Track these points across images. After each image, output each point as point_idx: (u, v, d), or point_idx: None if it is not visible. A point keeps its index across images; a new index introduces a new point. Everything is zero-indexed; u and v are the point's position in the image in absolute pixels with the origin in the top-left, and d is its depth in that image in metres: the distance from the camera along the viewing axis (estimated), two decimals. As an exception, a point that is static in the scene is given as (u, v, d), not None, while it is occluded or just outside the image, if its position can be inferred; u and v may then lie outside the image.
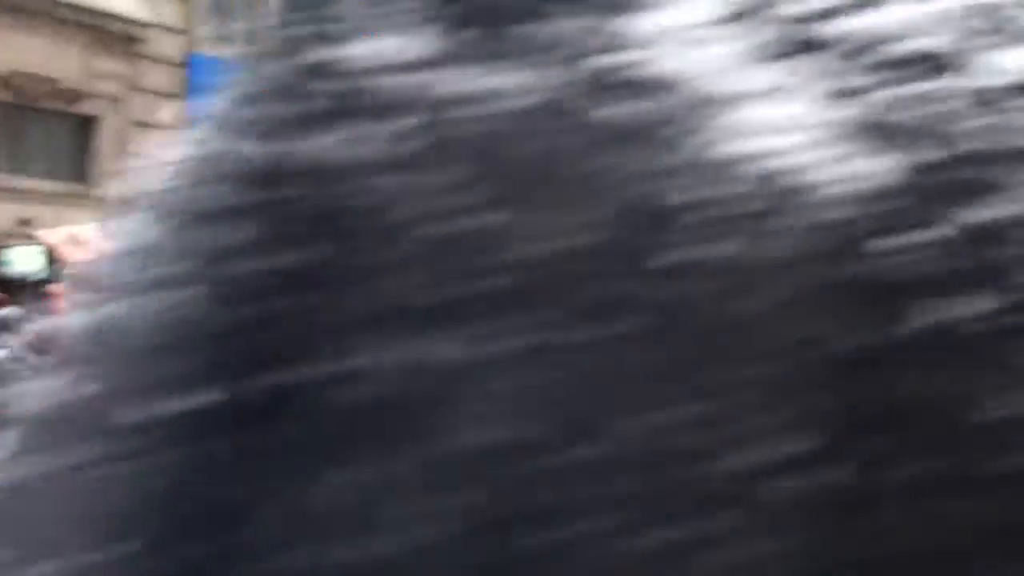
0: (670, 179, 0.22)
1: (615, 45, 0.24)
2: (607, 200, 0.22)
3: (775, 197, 0.22)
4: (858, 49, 0.24)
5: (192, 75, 15.03)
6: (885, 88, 0.23)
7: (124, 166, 13.69)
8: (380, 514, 0.22)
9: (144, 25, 14.22)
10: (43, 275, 6.13)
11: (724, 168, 0.22)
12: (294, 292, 0.23)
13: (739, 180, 0.22)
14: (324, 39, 0.25)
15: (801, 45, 0.24)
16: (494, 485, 0.21)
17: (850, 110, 0.22)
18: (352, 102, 0.24)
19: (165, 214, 0.26)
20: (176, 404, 0.23)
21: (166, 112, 14.66)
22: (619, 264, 0.22)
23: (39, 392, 0.26)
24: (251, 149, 0.25)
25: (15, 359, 4.74)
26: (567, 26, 0.24)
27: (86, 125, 13.84)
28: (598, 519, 0.20)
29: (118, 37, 13.95)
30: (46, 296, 5.52)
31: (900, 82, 0.23)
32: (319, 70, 0.25)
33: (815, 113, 0.22)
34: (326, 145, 0.23)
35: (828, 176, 0.22)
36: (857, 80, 0.23)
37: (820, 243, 0.21)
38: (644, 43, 0.24)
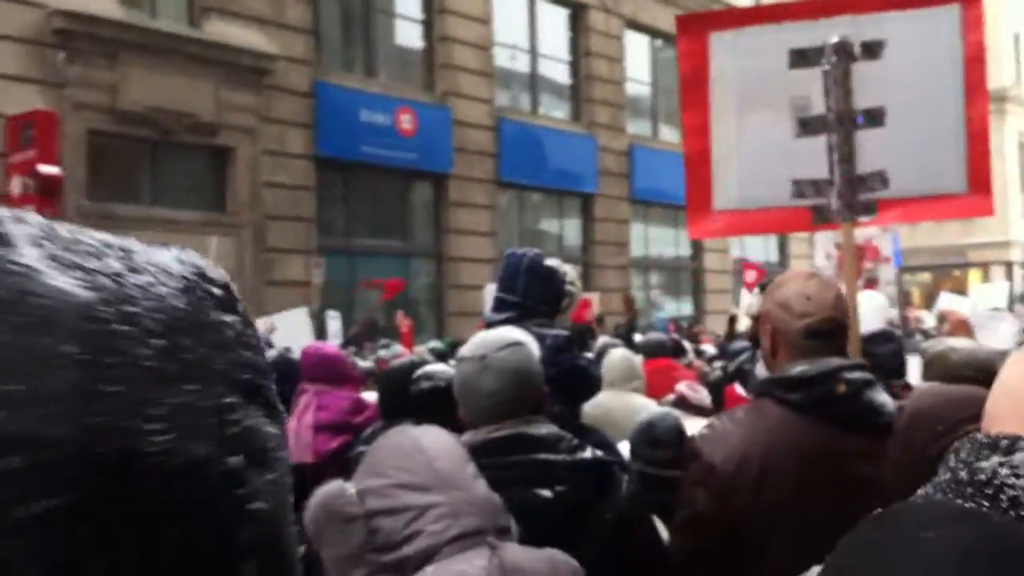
0: None
1: None
2: None
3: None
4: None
5: (319, 104, 15.42)
6: None
7: (258, 194, 14.14)
8: None
9: (273, 58, 14.64)
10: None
11: None
12: None
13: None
14: None
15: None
16: None
17: None
18: None
19: None
20: None
21: (296, 140, 15.06)
22: None
23: None
24: None
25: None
26: None
27: (222, 156, 14.26)
28: None
29: (249, 70, 14.37)
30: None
31: None
32: None
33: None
34: None
35: None
36: None
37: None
38: None
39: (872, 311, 5.67)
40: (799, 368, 2.58)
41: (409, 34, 17.84)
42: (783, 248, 25.59)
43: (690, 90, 4.40)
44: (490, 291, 11.08)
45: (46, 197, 11.55)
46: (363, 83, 16.40)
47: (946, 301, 12.11)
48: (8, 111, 11.87)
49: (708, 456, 2.55)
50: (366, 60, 17.00)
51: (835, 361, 2.58)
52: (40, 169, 11.45)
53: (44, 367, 0.36)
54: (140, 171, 13.64)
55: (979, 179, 4.00)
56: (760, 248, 24.41)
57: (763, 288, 3.70)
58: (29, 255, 0.39)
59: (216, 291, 0.46)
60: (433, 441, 2.08)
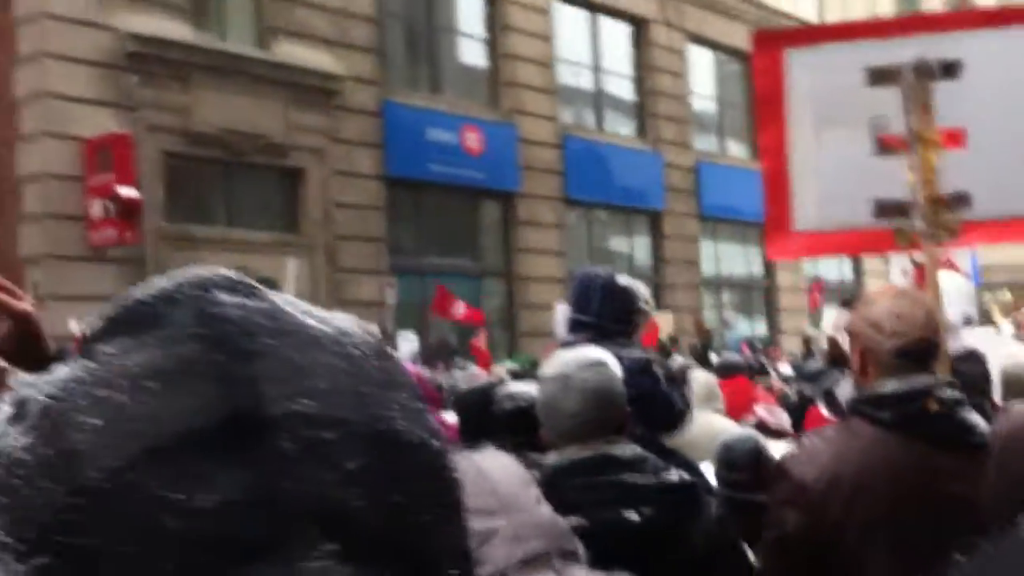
0: None
1: None
2: None
3: None
4: None
5: (387, 123, 15.55)
6: None
7: (329, 214, 14.28)
8: None
9: (340, 78, 14.80)
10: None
11: None
12: None
13: None
14: None
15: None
16: None
17: None
18: None
19: None
20: None
21: (365, 160, 15.19)
22: None
23: None
24: None
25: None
26: None
27: (292, 177, 14.42)
28: None
29: (317, 91, 14.55)
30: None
31: None
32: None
33: None
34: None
35: None
36: None
37: None
38: None
39: (957, 293, 5.55)
40: (890, 386, 2.57)
41: (473, 52, 17.94)
42: (858, 266, 25.21)
43: (766, 108, 4.35)
44: (560, 311, 11.05)
45: (126, 219, 11.80)
46: (429, 101, 16.51)
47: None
48: (84, 134, 12.14)
49: (799, 475, 2.54)
50: (431, 78, 17.12)
51: (926, 379, 2.56)
52: (120, 191, 11.68)
53: (335, 375, 0.51)
54: (214, 192, 13.86)
55: None
56: (834, 266, 24.09)
57: (846, 304, 3.64)
58: (304, 316, 0.54)
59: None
60: (495, 466, 2.06)
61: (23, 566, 0.45)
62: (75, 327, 9.83)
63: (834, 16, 24.79)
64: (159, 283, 0.54)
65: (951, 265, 10.97)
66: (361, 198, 15.09)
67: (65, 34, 12.21)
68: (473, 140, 16.66)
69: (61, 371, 0.52)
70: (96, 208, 12.00)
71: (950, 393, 2.56)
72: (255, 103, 13.60)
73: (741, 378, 7.20)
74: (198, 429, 0.47)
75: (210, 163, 13.50)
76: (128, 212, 11.76)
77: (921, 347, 2.59)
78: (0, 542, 0.47)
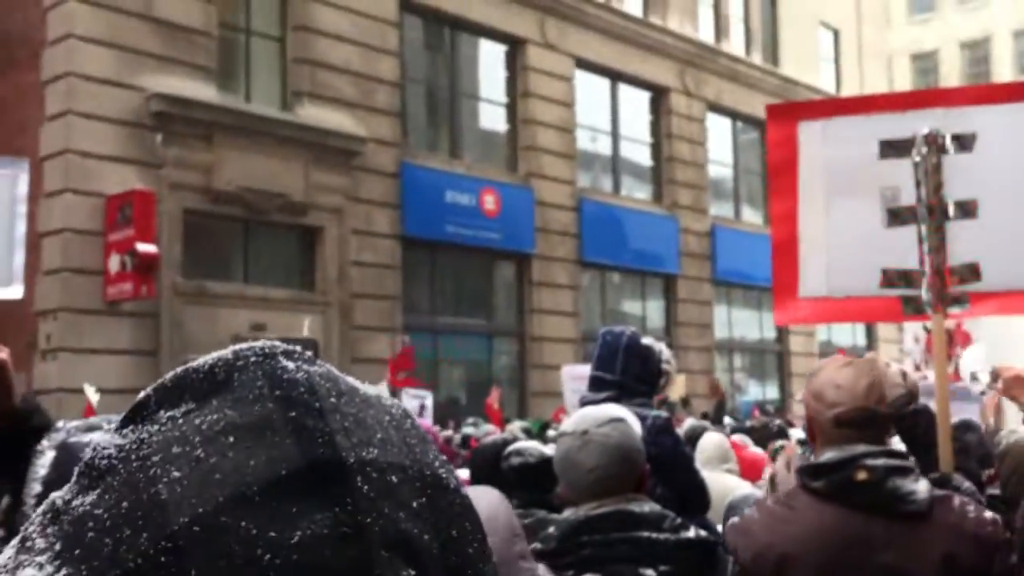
0: None
1: None
2: None
3: None
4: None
5: (405, 184, 15.70)
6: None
7: (345, 272, 14.37)
8: None
9: (361, 140, 14.99)
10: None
11: None
12: None
13: None
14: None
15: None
16: None
17: None
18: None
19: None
20: None
21: (383, 220, 15.31)
22: None
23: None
24: None
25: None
26: None
27: (311, 235, 14.56)
28: None
29: (338, 152, 14.73)
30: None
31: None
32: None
33: None
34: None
35: None
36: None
37: None
38: None
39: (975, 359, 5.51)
40: (826, 455, 2.60)
41: (493, 117, 18.15)
42: (871, 331, 25.17)
43: (779, 178, 4.40)
44: (567, 372, 11.06)
45: (143, 274, 11.89)
46: (448, 164, 16.68)
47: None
48: (108, 190, 12.29)
49: (732, 545, 2.60)
50: (451, 142, 17.31)
51: (860, 448, 2.56)
52: (138, 247, 11.80)
53: (387, 429, 0.58)
54: (233, 250, 13.98)
55: None
56: (847, 331, 24.05)
57: None
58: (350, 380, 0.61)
59: None
60: (482, 512, 2.07)
61: None
62: (90, 392, 9.85)
63: (852, 86, 25.04)
64: (219, 354, 0.59)
65: (963, 335, 10.95)
66: (377, 257, 15.20)
67: (92, 93, 12.43)
68: (490, 202, 16.80)
69: (109, 437, 0.57)
70: (114, 263, 12.11)
71: (884, 461, 2.55)
72: (277, 163, 13.78)
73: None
74: (282, 476, 0.52)
75: (230, 220, 13.64)
76: (145, 267, 11.87)
77: (860, 416, 2.60)
78: None
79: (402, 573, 0.52)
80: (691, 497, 3.84)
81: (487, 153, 17.85)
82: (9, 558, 0.54)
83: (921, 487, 2.54)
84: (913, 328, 12.21)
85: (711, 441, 5.55)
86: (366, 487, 0.53)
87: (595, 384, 4.11)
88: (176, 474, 0.52)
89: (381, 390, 0.64)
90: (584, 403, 3.84)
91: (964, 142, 3.91)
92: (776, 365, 23.16)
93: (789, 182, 4.31)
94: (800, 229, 4.27)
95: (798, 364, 22.74)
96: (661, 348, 4.27)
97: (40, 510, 0.56)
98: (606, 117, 20.00)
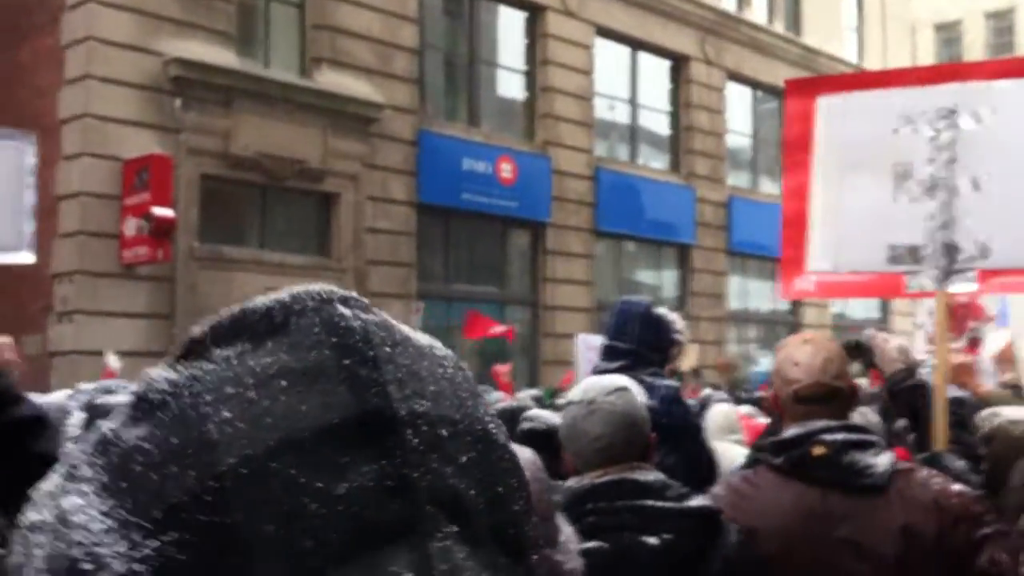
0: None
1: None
2: None
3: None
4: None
5: (422, 152, 15.69)
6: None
7: (361, 239, 14.40)
8: None
9: (379, 106, 14.98)
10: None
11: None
12: None
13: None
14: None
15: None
16: None
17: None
18: None
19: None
20: None
21: (399, 187, 15.33)
22: None
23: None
24: None
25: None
26: None
27: (327, 202, 14.59)
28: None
29: (355, 119, 14.73)
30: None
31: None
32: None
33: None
34: None
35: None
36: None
37: None
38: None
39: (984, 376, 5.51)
40: (788, 432, 2.64)
41: (511, 84, 18.09)
42: (885, 304, 25.09)
43: (793, 152, 4.39)
44: (581, 341, 11.07)
45: (159, 238, 11.94)
46: (465, 132, 16.65)
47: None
48: (125, 155, 12.33)
49: None
50: (469, 109, 17.27)
51: (819, 424, 2.60)
52: (154, 211, 11.85)
53: (439, 381, 0.58)
54: (249, 215, 14.03)
55: None
56: (861, 304, 23.97)
57: (847, 347, 3.65)
58: (405, 329, 0.62)
59: None
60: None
61: (154, 541, 0.49)
62: (112, 359, 9.91)
63: (874, 57, 24.81)
64: (277, 297, 0.59)
65: (977, 309, 10.92)
66: (393, 224, 15.22)
67: (111, 57, 12.45)
68: (507, 170, 16.78)
69: (166, 371, 0.57)
70: (130, 226, 12.17)
71: (842, 436, 2.58)
72: (294, 129, 13.78)
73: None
74: (333, 424, 0.52)
75: (246, 186, 13.67)
76: (161, 231, 11.92)
77: (818, 392, 2.64)
78: (123, 520, 0.51)
79: (445, 529, 0.52)
80: (700, 467, 3.88)
81: (505, 121, 17.81)
82: (56, 485, 0.55)
83: (881, 460, 2.57)
84: (928, 302, 12.14)
85: (719, 411, 5.60)
86: (415, 440, 0.53)
87: (608, 353, 4.14)
88: (227, 415, 0.52)
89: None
90: (597, 371, 3.87)
91: (979, 118, 3.88)
92: (788, 336, 23.10)
93: (803, 157, 4.30)
94: (811, 204, 4.26)
95: (813, 336, 22.65)
96: (675, 318, 4.29)
97: (90, 439, 0.56)
98: (625, 86, 19.89)
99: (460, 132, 16.56)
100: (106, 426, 0.56)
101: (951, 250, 3.88)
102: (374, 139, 15.01)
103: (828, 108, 4.26)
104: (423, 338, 0.62)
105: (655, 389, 3.71)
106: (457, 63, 17.30)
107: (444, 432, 0.55)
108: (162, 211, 11.91)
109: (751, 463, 3.04)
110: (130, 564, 0.50)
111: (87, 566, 0.50)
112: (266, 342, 0.56)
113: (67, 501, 0.53)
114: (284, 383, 0.53)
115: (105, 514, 0.51)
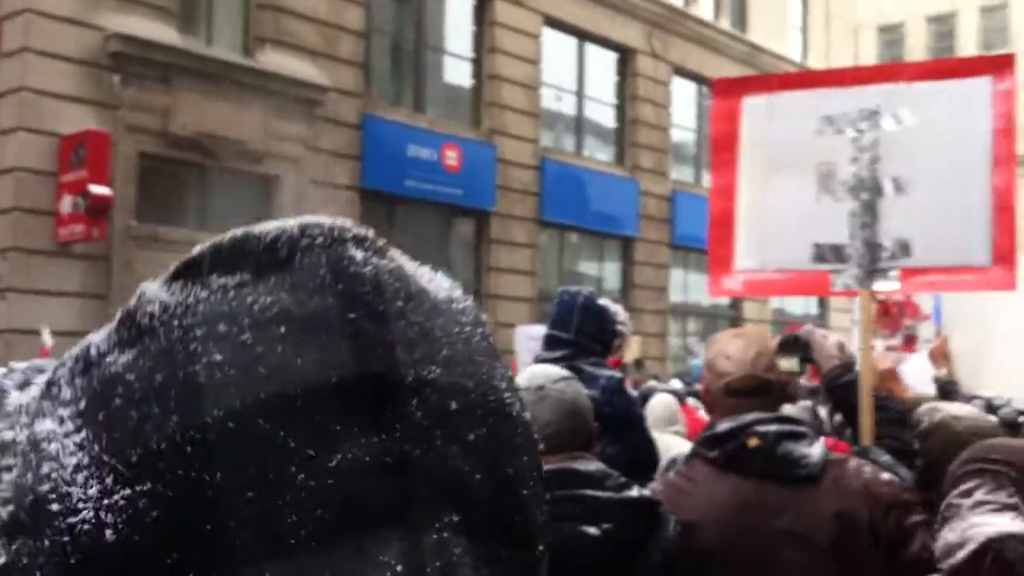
0: None
1: None
2: None
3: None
4: None
5: (367, 136, 15.56)
6: None
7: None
8: None
9: (323, 89, 14.81)
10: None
11: None
12: None
13: None
14: None
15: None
16: None
17: None
18: None
19: None
20: None
21: (342, 172, 15.19)
22: None
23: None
24: None
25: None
26: None
27: (268, 184, 14.40)
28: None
29: (299, 101, 14.55)
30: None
31: None
32: None
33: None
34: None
35: None
36: None
37: None
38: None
39: (920, 374, 5.58)
40: (721, 426, 2.65)
41: (458, 71, 18.01)
42: (823, 301, 25.41)
43: (720, 152, 4.42)
44: (522, 331, 11.07)
45: (95, 217, 11.72)
46: (411, 118, 16.54)
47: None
48: (62, 130, 12.08)
49: None
50: (415, 95, 17.16)
51: (751, 416, 2.62)
52: (91, 189, 11.62)
53: (454, 343, 0.52)
54: (188, 195, 13.80)
55: (1004, 253, 3.92)
56: (799, 300, 24.25)
57: (783, 343, 3.68)
58: (422, 278, 0.57)
59: None
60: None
61: (127, 490, 0.45)
62: (46, 335, 9.73)
63: (818, 56, 25.09)
64: (283, 226, 0.53)
65: (912, 307, 11.09)
66: (335, 209, 14.97)
67: (49, 31, 12.17)
68: (452, 158, 16.70)
69: (160, 290, 0.51)
70: (66, 204, 11.93)
71: (775, 427, 2.60)
72: (236, 109, 13.58)
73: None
74: (331, 385, 0.46)
75: (186, 166, 13.45)
76: (97, 209, 11.69)
77: (749, 384, 2.67)
78: (96, 457, 0.46)
79: (444, 518, 0.47)
80: (641, 458, 3.87)
81: (451, 108, 17.72)
82: (33, 399, 0.50)
83: (814, 451, 2.60)
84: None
85: (660, 402, 5.59)
86: (420, 413, 0.48)
87: (550, 343, 4.12)
88: (218, 357, 0.46)
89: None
90: (539, 361, 3.85)
91: (902, 119, 3.95)
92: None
93: (729, 156, 4.34)
94: (738, 203, 4.30)
95: (752, 331, 22.91)
96: (617, 309, 4.29)
97: (72, 354, 0.51)
98: (572, 77, 19.90)
99: (405, 118, 16.44)
100: (92, 342, 0.50)
101: (874, 249, 3.93)
102: (318, 122, 14.85)
103: (753, 108, 4.30)
104: (442, 287, 0.57)
105: (597, 379, 3.70)
106: (403, 48, 17.17)
107: (453, 404, 0.49)
108: (99, 189, 11.68)
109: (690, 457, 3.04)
110: (98, 512, 0.44)
111: (54, 507, 0.45)
112: (268, 277, 0.50)
113: (41, 425, 0.48)
114: (282, 330, 0.48)
115: (79, 446, 0.46)
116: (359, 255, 0.52)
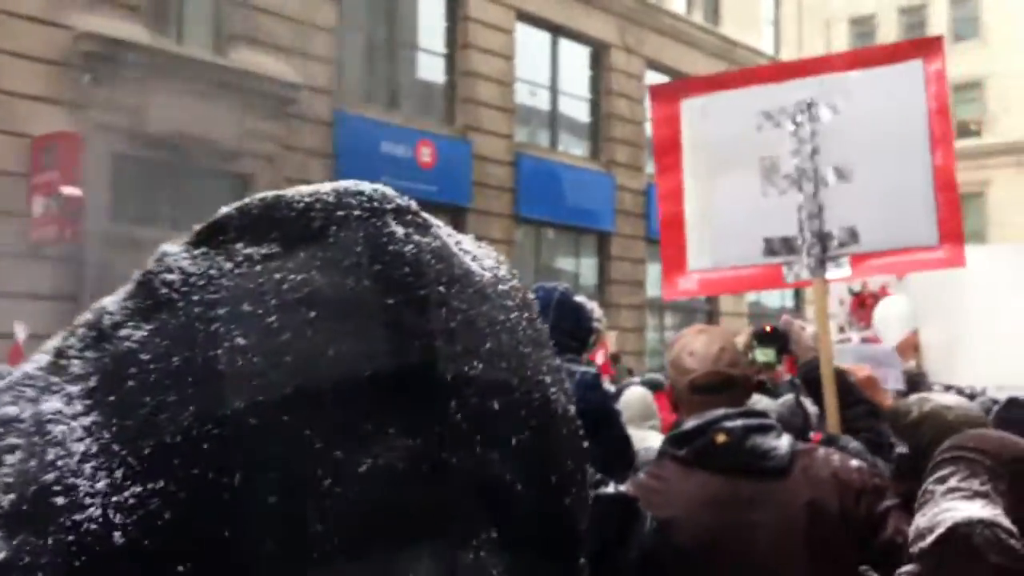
0: None
1: None
2: None
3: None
4: None
5: (340, 134, 15.51)
6: None
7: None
8: None
9: (296, 87, 14.73)
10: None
11: None
12: None
13: None
14: None
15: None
16: None
17: None
18: None
19: None
20: None
21: (317, 170, 15.12)
22: None
23: None
24: None
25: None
26: None
27: (242, 182, 14.27)
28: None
29: (272, 99, 14.45)
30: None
31: None
32: None
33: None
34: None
35: None
36: None
37: None
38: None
39: (898, 319, 5.57)
40: (687, 423, 2.65)
41: (431, 68, 17.97)
42: (798, 293, 25.52)
43: (664, 156, 4.46)
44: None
45: (67, 218, 11.62)
46: (384, 115, 16.50)
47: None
48: (33, 131, 11.97)
49: None
50: (388, 92, 17.11)
51: (718, 412, 2.62)
52: (62, 190, 11.52)
53: (499, 333, 0.47)
54: (161, 195, 13.70)
55: (950, 230, 3.98)
56: (775, 293, 24.35)
57: (757, 335, 3.72)
58: (466, 256, 0.52)
59: None
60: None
61: (137, 487, 0.41)
62: (19, 331, 9.66)
63: (790, 49, 25.17)
64: (318, 191, 0.49)
65: (886, 294, 11.14)
66: (311, 207, 15.00)
67: (19, 31, 12.05)
68: (427, 154, 16.67)
69: (183, 255, 0.46)
70: (38, 205, 11.82)
71: (742, 422, 2.60)
72: (208, 108, 13.47)
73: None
74: (364, 379, 0.42)
75: (159, 165, 13.34)
76: (70, 211, 11.60)
77: (714, 381, 2.67)
78: (106, 447, 0.42)
79: (482, 535, 0.43)
80: (617, 454, 3.88)
81: (424, 105, 17.68)
82: (40, 369, 0.45)
83: (782, 443, 2.61)
84: (838, 290, 12.39)
85: (635, 397, 5.57)
86: (459, 415, 0.44)
87: None
88: (241, 341, 0.42)
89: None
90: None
91: (838, 108, 4.01)
92: (706, 324, 23.36)
93: (674, 160, 4.39)
94: (686, 205, 4.34)
95: (728, 324, 23.01)
96: (592, 306, 4.30)
97: (85, 319, 0.46)
98: (546, 72, 19.89)
99: (379, 115, 16.40)
100: (107, 308, 0.45)
101: (823, 238, 3.99)
102: (291, 120, 14.78)
103: (691, 110, 4.35)
104: (487, 266, 0.52)
105: (573, 375, 3.70)
106: (376, 44, 17.10)
107: (496, 405, 0.45)
108: (71, 190, 11.59)
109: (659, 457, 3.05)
110: (106, 510, 0.40)
111: (59, 500, 0.41)
112: (298, 250, 0.46)
113: (48, 403, 0.43)
114: (312, 314, 0.44)
115: (87, 431, 0.42)
116: (400, 231, 0.48)
